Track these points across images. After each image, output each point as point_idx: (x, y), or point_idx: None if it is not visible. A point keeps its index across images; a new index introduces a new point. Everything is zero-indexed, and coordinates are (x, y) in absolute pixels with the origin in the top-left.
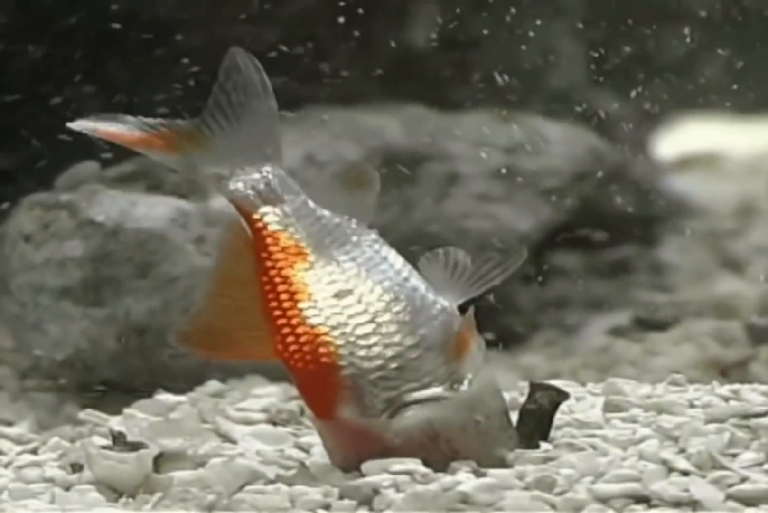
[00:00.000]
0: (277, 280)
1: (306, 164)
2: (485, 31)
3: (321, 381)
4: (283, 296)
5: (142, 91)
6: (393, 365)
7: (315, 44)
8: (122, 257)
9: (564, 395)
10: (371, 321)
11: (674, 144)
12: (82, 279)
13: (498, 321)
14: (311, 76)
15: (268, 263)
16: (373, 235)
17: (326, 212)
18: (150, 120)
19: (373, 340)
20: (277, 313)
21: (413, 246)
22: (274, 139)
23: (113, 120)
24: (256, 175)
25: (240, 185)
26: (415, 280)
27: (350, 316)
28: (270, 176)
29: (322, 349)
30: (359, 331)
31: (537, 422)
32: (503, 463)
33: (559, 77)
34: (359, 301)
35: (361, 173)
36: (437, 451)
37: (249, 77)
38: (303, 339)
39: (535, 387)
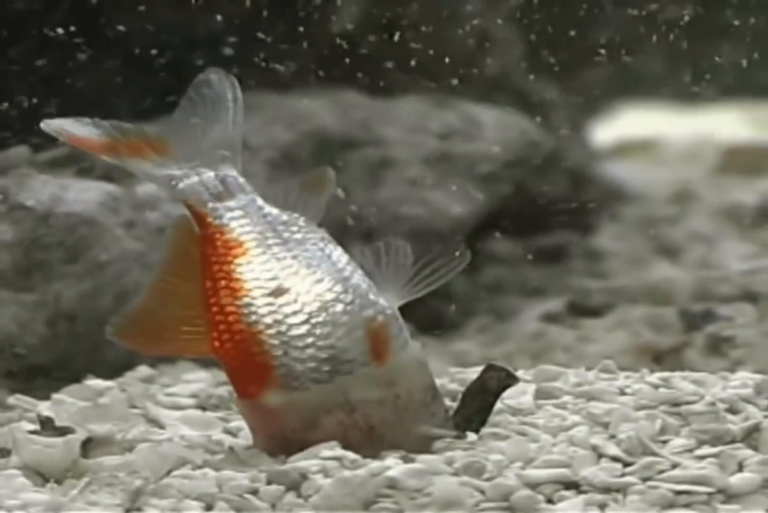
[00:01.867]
0: (218, 275)
1: None
2: (417, 16)
3: (249, 365)
4: (222, 292)
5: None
6: (326, 368)
7: (246, 29)
8: (52, 242)
9: (513, 379)
10: (306, 322)
11: (612, 130)
12: (12, 263)
13: (430, 307)
14: (243, 61)
15: (212, 258)
16: (320, 234)
17: (275, 210)
18: (121, 125)
19: (307, 341)
20: (215, 309)
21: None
22: (233, 144)
23: (86, 124)
24: (208, 174)
25: (190, 183)
26: (357, 279)
27: (285, 316)
28: (221, 175)
29: (255, 349)
30: (294, 332)
31: (479, 405)
32: (423, 441)
33: (494, 63)
34: (295, 301)
35: (321, 175)
36: (355, 426)
37: (220, 93)
38: (238, 337)
39: (488, 368)
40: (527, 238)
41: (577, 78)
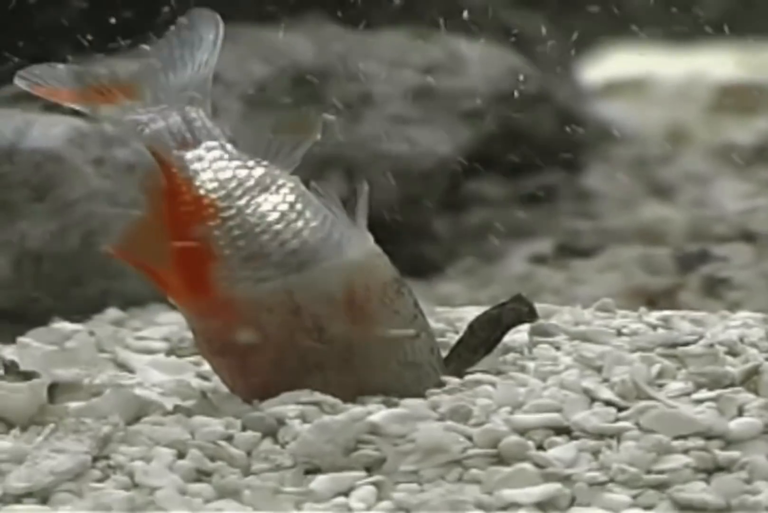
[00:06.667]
0: (187, 234)
1: (212, 83)
2: None
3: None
4: (192, 254)
5: None
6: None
7: None
8: (18, 179)
9: (533, 315)
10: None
11: (602, 69)
12: None
13: (416, 249)
14: None
15: (179, 214)
16: (293, 184)
17: (245, 159)
18: (94, 71)
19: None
20: (186, 270)
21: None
22: (201, 83)
23: (58, 73)
24: (174, 119)
25: (156, 128)
26: (336, 235)
27: (259, 280)
28: (188, 119)
29: (230, 310)
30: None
31: (487, 335)
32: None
33: None
34: (269, 264)
35: (304, 119)
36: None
37: (202, 36)
38: (213, 301)
39: (513, 299)
40: (514, 177)
41: (567, 15)
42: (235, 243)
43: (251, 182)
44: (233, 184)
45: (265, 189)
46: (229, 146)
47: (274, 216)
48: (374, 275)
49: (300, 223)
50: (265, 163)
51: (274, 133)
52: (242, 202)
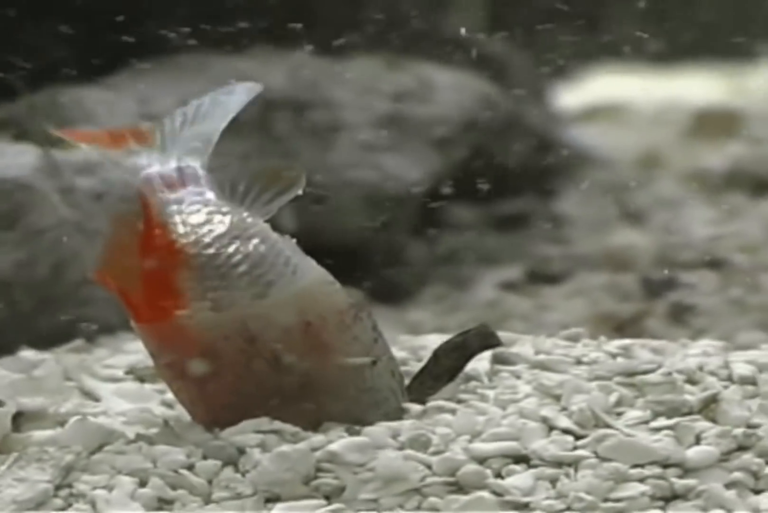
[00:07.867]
0: (158, 279)
1: None
2: None
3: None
4: (162, 298)
5: None
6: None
7: None
8: None
9: (496, 340)
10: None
11: (579, 95)
12: None
13: (386, 275)
14: (192, 21)
15: (152, 257)
16: (264, 233)
17: (221, 206)
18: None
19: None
20: (156, 312)
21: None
22: (208, 136)
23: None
24: (170, 165)
25: (150, 172)
26: (290, 268)
27: (215, 308)
28: (182, 165)
29: (188, 337)
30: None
31: (452, 363)
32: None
33: (453, 21)
34: (239, 319)
35: (287, 173)
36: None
37: (234, 102)
38: (180, 345)
39: (477, 326)
40: (486, 203)
41: (544, 41)
42: (200, 282)
43: (222, 230)
44: (204, 230)
45: (236, 237)
46: (210, 194)
47: (242, 266)
48: (328, 303)
49: (263, 268)
50: (239, 210)
51: (256, 180)
52: (211, 249)
